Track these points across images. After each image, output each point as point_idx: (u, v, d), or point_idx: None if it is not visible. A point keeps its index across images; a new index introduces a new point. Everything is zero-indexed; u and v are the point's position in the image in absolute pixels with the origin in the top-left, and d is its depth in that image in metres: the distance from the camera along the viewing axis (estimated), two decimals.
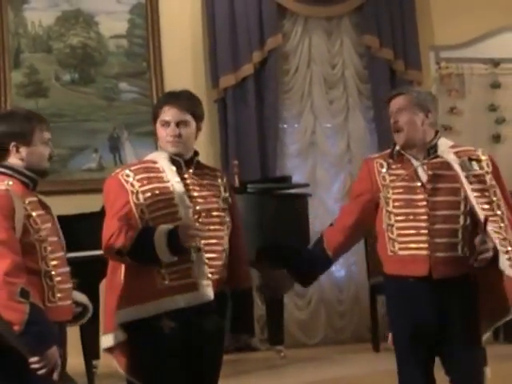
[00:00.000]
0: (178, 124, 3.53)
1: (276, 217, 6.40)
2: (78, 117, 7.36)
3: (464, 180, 3.59)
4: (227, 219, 3.59)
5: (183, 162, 3.57)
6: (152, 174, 3.53)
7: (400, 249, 3.60)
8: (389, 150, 3.74)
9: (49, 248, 3.21)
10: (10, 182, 3.22)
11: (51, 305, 3.19)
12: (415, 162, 3.65)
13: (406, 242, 3.59)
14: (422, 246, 3.56)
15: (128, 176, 3.52)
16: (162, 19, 7.53)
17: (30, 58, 7.35)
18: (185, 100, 3.57)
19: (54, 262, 3.22)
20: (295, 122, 7.85)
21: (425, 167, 3.64)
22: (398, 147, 3.69)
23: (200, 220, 3.48)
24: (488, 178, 3.65)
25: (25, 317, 3.03)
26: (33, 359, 3.06)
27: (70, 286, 3.30)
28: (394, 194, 3.63)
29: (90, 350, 5.50)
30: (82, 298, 3.45)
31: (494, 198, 3.62)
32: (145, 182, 3.50)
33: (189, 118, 3.55)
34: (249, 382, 5.85)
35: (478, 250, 3.48)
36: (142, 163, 3.62)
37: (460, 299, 3.56)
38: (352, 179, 7.78)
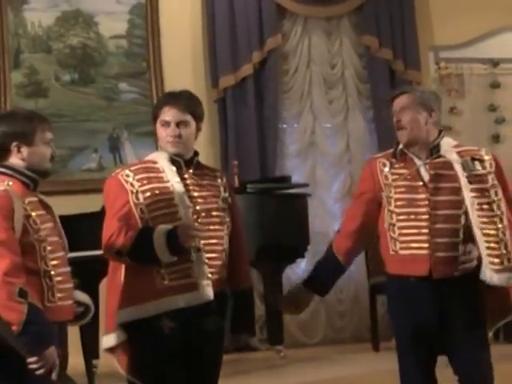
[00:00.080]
0: (178, 124, 3.53)
1: (275, 217, 6.41)
2: (78, 117, 7.37)
3: (463, 180, 3.59)
4: (227, 219, 3.59)
5: (183, 162, 3.57)
6: (152, 174, 3.53)
7: (401, 248, 3.60)
8: (392, 150, 3.74)
9: (48, 248, 3.20)
10: (10, 183, 3.22)
11: (51, 305, 3.19)
12: (418, 162, 3.65)
13: (408, 242, 3.59)
14: (422, 245, 3.56)
15: (128, 176, 3.52)
16: (162, 19, 7.54)
17: (29, 58, 7.36)
18: (185, 100, 3.57)
19: (54, 262, 3.21)
20: (295, 122, 7.86)
21: (427, 167, 3.64)
22: (401, 146, 3.70)
23: (200, 220, 3.49)
24: (490, 177, 3.64)
25: (23, 317, 3.03)
26: (31, 359, 3.05)
27: (70, 285, 3.30)
28: (396, 193, 3.63)
29: (90, 349, 5.51)
30: (84, 297, 3.44)
31: (495, 198, 3.61)
32: (145, 181, 3.50)
33: (189, 118, 3.55)
34: (249, 382, 5.86)
35: (460, 259, 3.51)
36: (142, 163, 3.63)
37: (461, 299, 3.56)
38: (352, 179, 7.80)
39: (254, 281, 4.95)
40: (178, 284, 3.41)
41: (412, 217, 3.59)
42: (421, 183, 3.62)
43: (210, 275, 3.45)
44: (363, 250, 3.86)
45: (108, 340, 3.54)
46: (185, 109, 3.54)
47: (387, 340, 6.58)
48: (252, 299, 3.88)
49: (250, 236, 4.26)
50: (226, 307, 3.60)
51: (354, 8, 7.83)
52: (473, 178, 3.60)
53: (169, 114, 3.53)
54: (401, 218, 3.61)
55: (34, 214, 3.20)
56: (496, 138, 8.08)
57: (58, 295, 3.21)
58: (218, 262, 3.50)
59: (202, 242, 3.44)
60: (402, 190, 3.63)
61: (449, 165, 3.64)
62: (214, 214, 3.55)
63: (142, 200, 3.46)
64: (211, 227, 3.51)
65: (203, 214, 3.51)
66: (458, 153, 3.67)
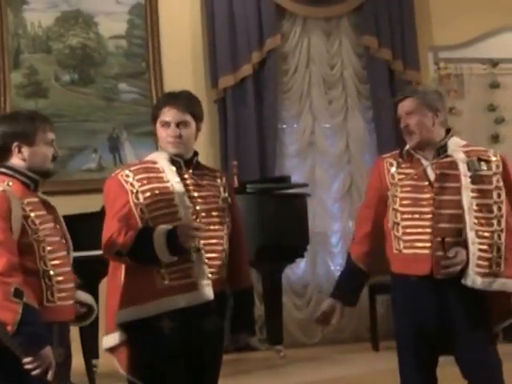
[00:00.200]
0: (178, 125, 3.53)
1: (275, 217, 6.41)
2: (78, 117, 7.37)
3: (464, 180, 3.59)
4: (227, 219, 3.59)
5: (183, 162, 3.57)
6: (152, 174, 3.53)
7: (405, 247, 3.61)
8: (399, 150, 3.76)
9: (48, 248, 3.20)
10: (10, 183, 3.22)
11: (50, 305, 3.18)
12: (425, 162, 3.66)
13: (411, 241, 3.59)
14: (426, 244, 3.56)
15: (128, 176, 3.53)
16: (162, 20, 7.54)
17: (29, 58, 7.37)
18: (184, 100, 3.57)
19: (55, 262, 3.21)
20: (294, 122, 7.87)
21: (433, 166, 3.64)
22: (407, 147, 3.70)
23: (200, 220, 3.49)
24: (495, 179, 3.63)
25: (17, 317, 3.03)
26: (26, 359, 3.05)
27: (71, 285, 3.30)
28: (401, 192, 3.64)
29: (90, 349, 5.51)
30: (87, 297, 3.45)
31: (497, 200, 3.60)
32: (145, 181, 3.51)
33: (189, 118, 3.56)
34: (248, 382, 5.87)
35: (442, 263, 3.50)
36: (142, 163, 3.63)
37: (462, 299, 3.54)
38: (351, 179, 7.82)
39: (253, 281, 4.95)
40: (178, 284, 3.41)
41: (416, 216, 3.60)
42: (426, 183, 3.62)
43: (210, 275, 3.45)
44: (380, 251, 3.85)
45: (108, 340, 3.54)
46: (185, 109, 3.54)
47: (387, 340, 6.59)
48: (252, 299, 3.88)
49: (249, 236, 4.25)
50: (225, 307, 3.60)
51: (354, 8, 7.84)
52: (477, 178, 3.60)
53: (169, 114, 3.54)
54: (405, 216, 3.61)
55: (32, 214, 3.20)
56: (495, 138, 8.09)
57: (58, 295, 3.21)
58: (218, 262, 3.51)
59: (202, 241, 3.44)
60: (408, 189, 3.63)
61: (455, 164, 3.63)
62: (214, 214, 3.55)
63: (142, 200, 3.46)
64: (211, 227, 3.51)
65: (203, 214, 3.51)
66: (466, 152, 3.67)
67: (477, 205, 3.57)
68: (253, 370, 6.22)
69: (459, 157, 3.64)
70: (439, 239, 3.51)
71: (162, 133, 3.56)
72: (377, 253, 3.81)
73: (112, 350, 3.54)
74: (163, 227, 3.39)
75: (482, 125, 8.06)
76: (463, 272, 3.52)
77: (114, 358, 3.56)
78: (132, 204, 3.46)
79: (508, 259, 3.56)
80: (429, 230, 3.56)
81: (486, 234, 3.55)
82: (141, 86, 7.52)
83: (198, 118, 3.60)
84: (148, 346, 3.44)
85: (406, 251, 3.60)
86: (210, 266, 3.47)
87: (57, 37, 7.42)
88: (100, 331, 4.43)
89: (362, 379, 5.73)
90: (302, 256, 6.80)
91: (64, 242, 3.33)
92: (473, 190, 3.58)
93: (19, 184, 3.25)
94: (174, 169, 3.54)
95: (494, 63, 8.10)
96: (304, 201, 6.73)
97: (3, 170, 3.27)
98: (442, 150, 3.66)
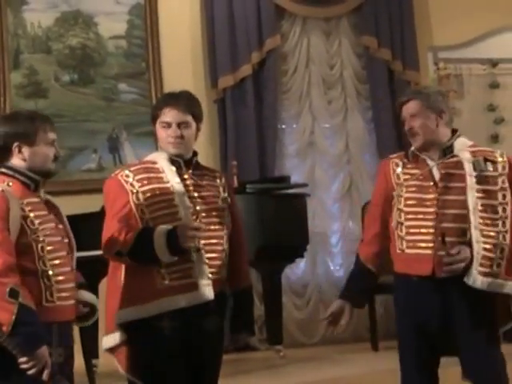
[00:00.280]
0: (179, 125, 3.54)
1: (275, 217, 6.41)
2: (78, 117, 7.37)
3: (469, 180, 3.60)
4: (227, 219, 3.60)
5: (183, 162, 3.58)
6: (152, 175, 3.54)
7: (407, 247, 3.62)
8: (405, 151, 3.77)
9: (48, 248, 3.20)
10: (10, 183, 3.22)
11: (49, 305, 3.19)
12: (430, 163, 3.66)
13: (414, 241, 3.60)
14: (428, 245, 3.57)
15: (128, 176, 3.53)
16: (161, 20, 7.53)
17: (29, 58, 7.36)
18: (185, 101, 3.57)
19: (54, 262, 3.21)
20: (294, 123, 7.86)
21: (439, 166, 3.65)
22: (412, 148, 3.71)
23: (199, 220, 3.49)
24: (500, 180, 3.63)
25: (12, 317, 3.04)
26: (22, 359, 3.06)
27: (72, 285, 3.30)
28: (406, 192, 3.65)
29: (90, 349, 5.51)
30: (89, 297, 3.45)
31: (502, 201, 3.60)
32: (145, 182, 3.51)
33: (189, 118, 3.56)
34: (248, 382, 5.86)
35: (444, 260, 3.50)
36: (142, 164, 3.64)
37: (465, 299, 3.55)
38: (351, 179, 7.82)
39: (253, 281, 4.95)
40: (178, 284, 3.42)
41: (420, 216, 3.60)
42: (431, 183, 3.63)
43: (210, 275, 3.46)
44: (388, 252, 3.85)
45: (108, 340, 3.55)
46: (185, 109, 3.55)
47: (386, 340, 6.59)
48: (252, 298, 3.89)
49: (249, 236, 4.26)
50: (225, 307, 3.61)
51: (353, 8, 7.83)
52: (482, 179, 3.60)
53: (169, 115, 3.54)
54: (409, 216, 3.62)
55: (32, 214, 3.20)
56: (495, 138, 8.08)
57: (57, 295, 3.21)
58: (218, 262, 3.51)
59: (202, 242, 3.45)
60: (413, 189, 3.64)
61: (461, 164, 3.64)
62: (214, 214, 3.56)
63: (142, 200, 3.47)
64: (211, 227, 3.52)
65: (203, 215, 3.52)
66: (472, 152, 3.68)
67: (482, 205, 3.57)
68: (253, 370, 6.22)
69: (465, 156, 3.65)
70: (439, 238, 3.51)
71: (163, 133, 3.56)
72: (386, 253, 3.82)
73: (112, 350, 3.55)
74: (163, 227, 3.39)
75: (481, 125, 8.05)
76: (466, 271, 3.52)
77: (114, 358, 3.56)
78: (132, 204, 3.47)
79: (509, 261, 3.57)
80: (432, 231, 3.57)
81: (492, 234, 3.55)
82: (140, 87, 7.51)
83: (198, 119, 3.61)
84: (148, 346, 3.45)
85: (408, 251, 3.61)
86: (210, 266, 3.47)
87: (57, 37, 7.41)
88: (100, 331, 4.43)
89: (361, 379, 5.73)
90: (301, 256, 6.79)
91: (66, 241, 3.33)
92: (478, 191, 3.58)
93: (19, 184, 3.25)
94: (173, 169, 3.55)
95: (494, 63, 8.10)
96: (304, 201, 6.73)
97: (3, 170, 3.27)
98: (448, 151, 3.67)
